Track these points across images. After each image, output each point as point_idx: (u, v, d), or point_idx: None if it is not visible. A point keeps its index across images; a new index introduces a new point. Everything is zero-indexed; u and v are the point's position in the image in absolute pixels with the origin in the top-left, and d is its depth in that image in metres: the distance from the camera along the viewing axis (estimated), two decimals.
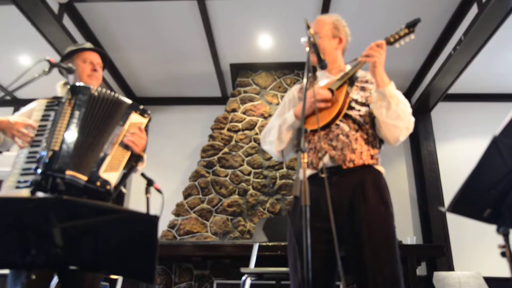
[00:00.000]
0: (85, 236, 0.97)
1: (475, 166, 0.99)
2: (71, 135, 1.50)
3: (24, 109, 1.68)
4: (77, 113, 1.55)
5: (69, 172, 1.45)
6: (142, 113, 1.72)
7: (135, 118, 1.69)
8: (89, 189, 1.49)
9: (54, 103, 1.61)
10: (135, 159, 1.64)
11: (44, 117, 1.58)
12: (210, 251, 3.55)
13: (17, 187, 1.42)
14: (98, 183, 1.50)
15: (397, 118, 1.51)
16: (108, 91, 1.65)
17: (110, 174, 1.54)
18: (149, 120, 1.73)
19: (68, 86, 1.79)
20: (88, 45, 1.87)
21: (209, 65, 4.64)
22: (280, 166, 4.26)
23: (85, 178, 1.48)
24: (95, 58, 1.83)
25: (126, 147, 1.61)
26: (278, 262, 2.95)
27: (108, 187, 1.51)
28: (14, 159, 1.49)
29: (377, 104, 1.54)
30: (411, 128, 1.56)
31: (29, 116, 1.61)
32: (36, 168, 1.44)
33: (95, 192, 1.49)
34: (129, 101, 1.71)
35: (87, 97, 1.59)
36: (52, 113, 1.58)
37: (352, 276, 1.45)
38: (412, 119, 1.57)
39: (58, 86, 1.83)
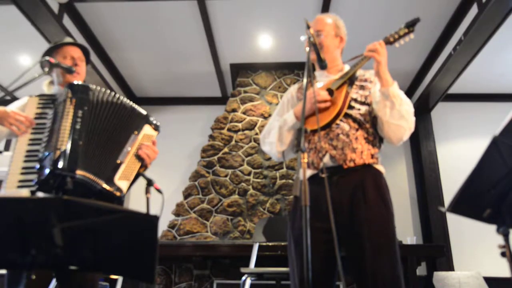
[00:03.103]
0: (85, 236, 0.97)
1: (475, 166, 0.99)
2: (76, 135, 1.50)
3: (12, 107, 1.62)
4: (80, 112, 1.54)
5: (80, 172, 1.44)
6: (154, 126, 1.73)
7: (148, 129, 1.69)
8: (102, 193, 1.49)
9: (49, 101, 1.60)
10: (142, 170, 1.65)
11: (41, 115, 1.56)
12: (210, 251, 3.55)
13: (19, 187, 1.41)
14: (112, 189, 1.50)
15: (401, 118, 1.51)
16: (108, 91, 1.64)
17: (123, 182, 1.55)
18: (157, 134, 1.75)
19: (53, 84, 1.76)
20: (68, 39, 1.84)
21: (209, 65, 4.65)
22: (280, 166, 4.27)
23: (102, 183, 1.48)
24: (75, 52, 1.78)
25: (140, 158, 1.62)
26: (278, 262, 2.95)
27: (118, 193, 1.52)
28: (11, 158, 1.48)
29: (381, 104, 1.54)
30: (413, 128, 1.57)
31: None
32: (41, 168, 1.43)
33: (105, 196, 1.50)
34: (144, 112, 1.71)
35: (87, 96, 1.58)
36: (49, 111, 1.57)
37: (352, 276, 1.45)
38: (413, 119, 1.57)
39: (44, 85, 1.79)
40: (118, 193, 1.51)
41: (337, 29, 1.75)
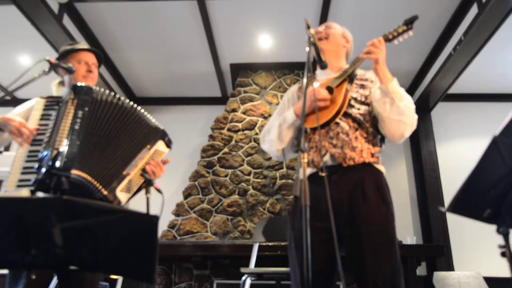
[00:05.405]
0: (85, 236, 0.97)
1: (475, 166, 0.99)
2: (75, 135, 1.49)
3: (20, 109, 1.65)
4: (80, 113, 1.53)
5: (75, 172, 1.44)
6: (168, 143, 1.69)
7: (161, 145, 1.67)
8: (101, 200, 1.48)
9: (54, 103, 1.60)
10: (145, 186, 1.63)
11: (44, 116, 1.57)
12: (210, 251, 3.55)
13: (19, 186, 1.41)
14: (111, 198, 1.49)
15: (402, 113, 1.51)
16: (113, 94, 1.62)
17: (123, 194, 1.53)
18: (168, 151, 1.72)
19: (63, 85, 1.78)
20: (82, 45, 1.85)
21: (209, 65, 4.65)
22: (280, 166, 4.27)
23: (100, 186, 1.47)
24: (90, 58, 1.81)
25: (145, 174, 1.59)
26: (278, 262, 2.96)
27: (116, 203, 1.51)
28: (14, 158, 1.49)
29: (381, 100, 1.54)
30: (414, 125, 1.56)
31: (26, 115, 1.59)
32: (39, 167, 1.43)
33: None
34: (160, 126, 1.68)
35: (90, 98, 1.58)
36: (53, 113, 1.57)
37: (352, 275, 1.45)
38: (416, 116, 1.56)
39: (53, 85, 1.81)
40: (115, 202, 1.50)
41: (343, 32, 1.81)
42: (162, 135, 1.68)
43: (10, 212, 0.94)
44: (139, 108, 1.66)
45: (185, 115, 5.27)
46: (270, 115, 4.53)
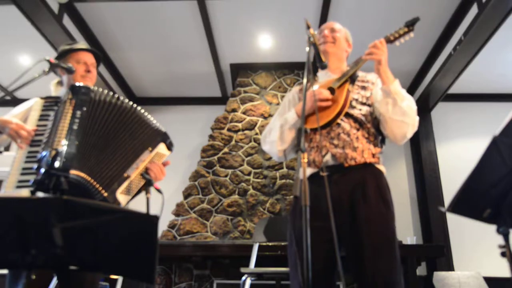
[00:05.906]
0: (85, 236, 0.97)
1: (475, 166, 0.99)
2: (73, 135, 1.49)
3: (18, 109, 1.65)
4: (78, 113, 1.53)
5: (74, 172, 1.44)
6: (169, 146, 1.69)
7: (162, 148, 1.66)
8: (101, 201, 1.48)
9: (53, 103, 1.60)
10: (144, 188, 1.62)
11: (43, 117, 1.56)
12: (210, 251, 3.55)
13: (18, 187, 1.41)
14: (111, 200, 1.48)
15: (404, 114, 1.52)
16: (111, 93, 1.61)
17: (123, 196, 1.53)
18: (169, 154, 1.71)
19: (61, 85, 1.78)
20: (81, 44, 1.85)
21: (209, 65, 4.65)
22: (280, 166, 4.27)
23: (100, 187, 1.46)
24: (89, 58, 1.80)
25: (146, 176, 1.58)
26: (278, 262, 2.95)
27: (116, 204, 1.50)
28: (13, 159, 1.48)
29: (383, 101, 1.55)
30: (416, 125, 1.56)
31: (25, 115, 1.59)
32: (38, 168, 1.42)
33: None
34: (162, 128, 1.68)
35: (88, 98, 1.58)
36: (52, 113, 1.56)
37: (352, 275, 1.45)
38: (417, 118, 1.57)
39: (51, 85, 1.81)
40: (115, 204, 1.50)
41: (346, 35, 1.82)
42: (163, 137, 1.67)
43: (10, 212, 0.94)
44: (139, 108, 1.65)
45: (185, 115, 5.27)
46: (270, 115, 4.53)
